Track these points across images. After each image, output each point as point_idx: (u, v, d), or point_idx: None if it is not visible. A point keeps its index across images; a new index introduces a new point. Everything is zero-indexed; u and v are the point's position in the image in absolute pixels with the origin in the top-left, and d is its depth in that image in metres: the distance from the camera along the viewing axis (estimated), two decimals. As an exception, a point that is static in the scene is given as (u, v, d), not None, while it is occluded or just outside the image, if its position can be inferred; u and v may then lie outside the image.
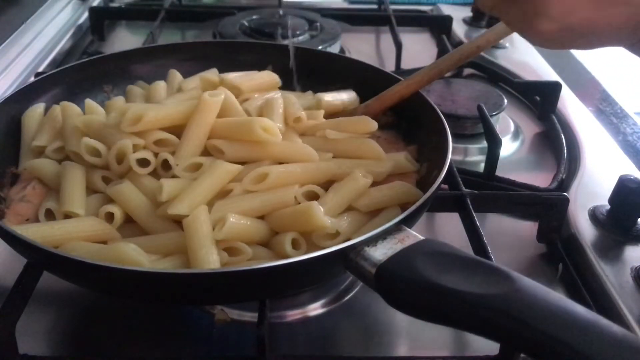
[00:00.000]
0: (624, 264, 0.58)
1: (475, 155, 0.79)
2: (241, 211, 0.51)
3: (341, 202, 0.53)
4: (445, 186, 0.62)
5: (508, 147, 0.81)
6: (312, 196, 0.54)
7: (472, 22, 1.17)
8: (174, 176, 0.54)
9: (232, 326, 0.54)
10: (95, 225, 0.51)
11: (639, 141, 0.82)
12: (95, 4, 1.22)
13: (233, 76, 0.68)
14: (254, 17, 1.08)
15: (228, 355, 0.53)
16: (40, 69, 0.93)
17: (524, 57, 1.05)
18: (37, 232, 0.49)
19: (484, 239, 0.54)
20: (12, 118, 0.62)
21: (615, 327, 0.35)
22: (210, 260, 0.47)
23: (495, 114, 0.81)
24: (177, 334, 0.54)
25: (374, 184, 0.56)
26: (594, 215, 0.64)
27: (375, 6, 1.24)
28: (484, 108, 0.72)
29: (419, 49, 1.09)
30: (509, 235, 0.67)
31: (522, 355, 0.48)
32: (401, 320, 0.55)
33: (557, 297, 0.37)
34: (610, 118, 0.87)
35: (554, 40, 0.43)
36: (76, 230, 0.50)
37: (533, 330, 0.35)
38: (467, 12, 1.20)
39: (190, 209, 0.49)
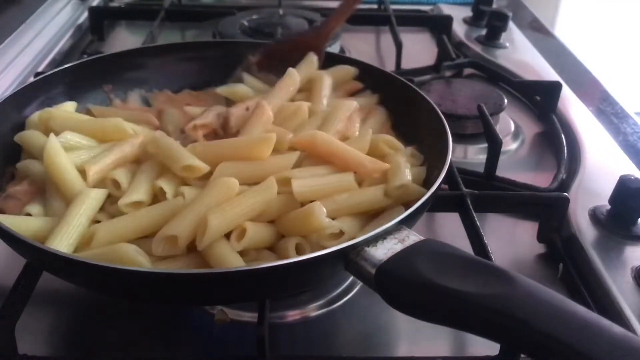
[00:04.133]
0: (625, 264, 0.58)
1: (475, 155, 0.79)
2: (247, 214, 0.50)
3: (352, 209, 0.53)
4: (445, 186, 0.62)
5: (508, 147, 0.81)
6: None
7: (472, 22, 1.17)
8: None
9: (232, 326, 0.54)
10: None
11: (640, 141, 0.82)
12: (94, 3, 1.21)
13: None
14: (254, 16, 1.08)
15: (228, 355, 0.52)
16: (40, 69, 0.93)
17: (524, 56, 1.05)
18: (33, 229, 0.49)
19: (484, 239, 0.54)
20: (11, 118, 0.62)
21: (615, 328, 0.35)
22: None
23: (495, 114, 0.80)
24: (177, 334, 0.53)
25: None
26: (594, 215, 0.64)
27: (375, 6, 1.24)
28: (484, 108, 0.72)
29: (419, 49, 1.09)
30: (509, 235, 0.67)
31: (522, 355, 0.48)
32: (401, 320, 0.55)
33: (558, 297, 0.37)
34: (610, 118, 0.87)
35: None
36: None
37: (533, 330, 0.35)
38: (467, 12, 1.20)
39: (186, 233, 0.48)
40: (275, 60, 0.70)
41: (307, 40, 0.71)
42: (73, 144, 0.58)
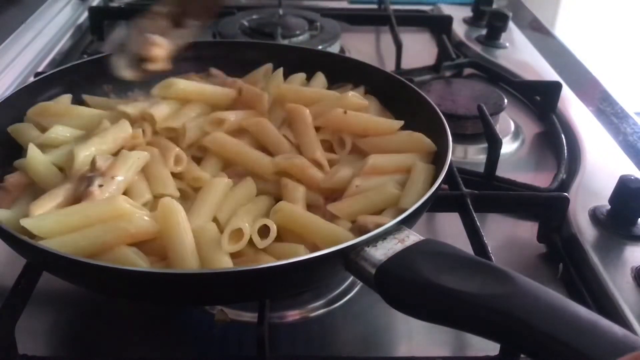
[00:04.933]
0: (625, 264, 0.58)
1: (475, 155, 0.79)
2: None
3: (368, 210, 0.53)
4: (445, 186, 0.62)
5: (508, 147, 0.81)
6: None
7: (473, 22, 1.17)
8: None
9: (231, 326, 0.54)
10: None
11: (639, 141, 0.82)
12: (94, 3, 1.21)
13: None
14: (254, 16, 1.08)
15: (228, 355, 0.53)
16: (40, 69, 0.93)
17: (524, 56, 1.05)
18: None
19: (484, 239, 0.54)
20: (11, 118, 0.62)
21: (615, 328, 0.35)
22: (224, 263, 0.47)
23: (495, 114, 0.80)
24: (177, 334, 0.53)
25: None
26: (594, 215, 0.64)
27: (375, 6, 1.24)
28: (484, 108, 0.72)
29: (419, 49, 1.09)
30: (510, 235, 0.67)
31: (522, 355, 0.48)
32: (401, 320, 0.55)
33: (558, 297, 0.37)
34: (610, 118, 0.87)
35: None
36: None
37: (533, 330, 0.35)
38: (467, 12, 1.20)
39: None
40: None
41: None
42: (62, 139, 0.58)
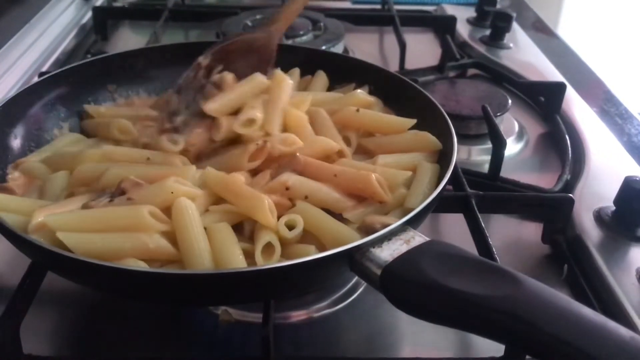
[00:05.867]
0: (629, 265, 0.58)
1: (479, 156, 0.79)
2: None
3: (378, 212, 0.53)
4: (449, 187, 0.62)
5: (512, 148, 0.81)
6: None
7: (476, 22, 1.17)
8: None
9: (236, 327, 0.54)
10: None
11: (644, 142, 0.81)
12: (98, 3, 1.22)
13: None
14: (257, 16, 1.08)
15: (232, 356, 0.53)
16: (44, 69, 0.93)
17: (528, 57, 1.05)
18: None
19: (489, 240, 0.54)
20: (16, 117, 0.62)
21: (622, 330, 0.35)
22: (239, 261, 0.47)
23: (499, 115, 0.80)
24: (181, 334, 0.53)
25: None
26: (599, 216, 0.64)
27: (379, 6, 1.24)
28: (489, 108, 0.72)
29: (422, 49, 1.09)
30: (514, 236, 0.67)
31: (527, 357, 0.48)
32: (405, 321, 0.55)
33: (564, 298, 0.37)
34: (614, 119, 0.87)
35: None
36: None
37: (540, 332, 0.35)
38: (471, 12, 1.20)
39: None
40: (227, 61, 0.67)
41: (258, 40, 0.68)
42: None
